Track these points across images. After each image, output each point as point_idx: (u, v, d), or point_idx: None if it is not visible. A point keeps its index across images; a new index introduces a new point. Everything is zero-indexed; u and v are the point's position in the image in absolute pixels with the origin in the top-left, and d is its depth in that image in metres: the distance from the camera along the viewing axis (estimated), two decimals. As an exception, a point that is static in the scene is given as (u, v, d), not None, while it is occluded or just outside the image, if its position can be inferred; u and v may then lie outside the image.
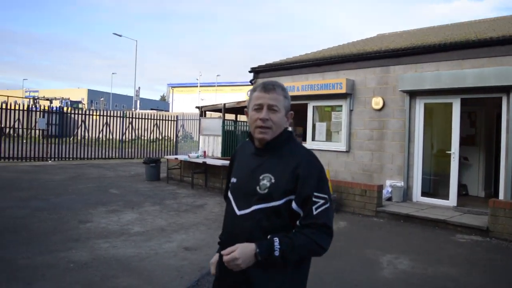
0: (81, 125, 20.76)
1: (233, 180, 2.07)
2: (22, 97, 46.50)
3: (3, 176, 12.72)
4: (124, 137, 21.50)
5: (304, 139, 12.36)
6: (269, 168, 1.94)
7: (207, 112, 21.97)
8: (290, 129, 2.11)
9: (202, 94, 55.47)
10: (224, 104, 19.16)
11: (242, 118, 20.61)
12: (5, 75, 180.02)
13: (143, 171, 14.10)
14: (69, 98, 48.09)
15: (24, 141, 18.35)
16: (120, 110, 38.45)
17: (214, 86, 57.54)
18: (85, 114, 20.79)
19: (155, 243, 6.35)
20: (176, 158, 13.26)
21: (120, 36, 43.29)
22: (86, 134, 20.70)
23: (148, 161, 13.19)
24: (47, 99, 40.49)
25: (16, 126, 19.07)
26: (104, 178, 13.09)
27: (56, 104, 38.43)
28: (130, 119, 21.93)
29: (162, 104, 75.86)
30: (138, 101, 47.05)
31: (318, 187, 1.89)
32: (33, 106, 26.08)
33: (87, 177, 13.14)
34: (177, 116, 23.55)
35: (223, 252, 1.81)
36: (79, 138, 21.20)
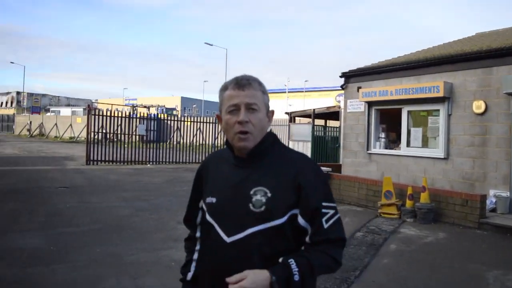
0: (176, 130, 21.89)
1: (211, 200, 1.69)
2: (123, 105, 50.00)
3: (109, 178, 13.80)
4: (215, 142, 22.27)
5: (398, 145, 11.93)
6: (259, 180, 1.61)
7: (296, 118, 22.05)
8: (270, 129, 1.76)
9: (290, 100, 55.80)
10: (314, 110, 19.10)
11: (331, 123, 20.40)
12: (108, 84, 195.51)
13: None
14: (164, 106, 50.80)
15: (126, 145, 19.72)
16: (212, 116, 39.94)
17: (302, 91, 57.62)
18: (180, 120, 21.89)
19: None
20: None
21: (211, 45, 44.86)
22: (181, 139, 21.77)
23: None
24: (145, 107, 43.20)
25: (118, 131, 20.57)
26: (198, 182, 13.66)
27: (152, 111, 40.82)
28: (221, 125, 22.65)
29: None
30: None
31: (326, 196, 1.64)
32: (132, 113, 27.99)
33: (182, 180, 13.82)
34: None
35: (228, 280, 1.45)
36: (174, 143, 22.31)
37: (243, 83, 1.63)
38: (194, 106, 62.92)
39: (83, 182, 12.47)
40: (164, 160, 19.74)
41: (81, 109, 45.82)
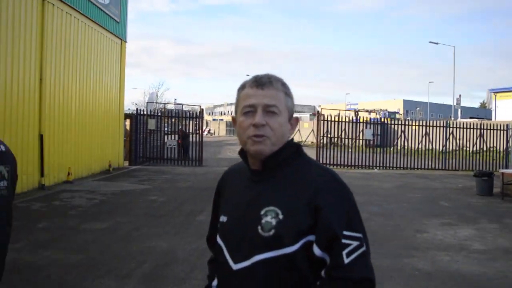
0: (401, 135, 21.28)
1: (223, 219, 1.48)
2: (344, 110, 51.11)
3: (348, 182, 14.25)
4: (445, 148, 20.82)
5: None
6: (272, 198, 1.37)
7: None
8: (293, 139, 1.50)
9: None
10: None
11: None
12: (328, 90, 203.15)
13: (471, 184, 13.26)
14: (386, 109, 50.02)
15: (350, 150, 20.12)
16: (437, 119, 37.46)
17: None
18: (404, 125, 21.21)
19: (501, 265, 5.85)
20: (512, 172, 11.92)
21: (437, 43, 42.30)
22: (406, 144, 21.05)
23: (480, 174, 12.34)
24: (367, 111, 43.30)
25: (342, 136, 21.11)
26: (431, 189, 13.04)
27: (373, 115, 40.58)
28: (451, 128, 21.08)
29: (482, 111, 69.85)
30: (460, 110, 44.67)
31: (349, 222, 1.33)
32: (354, 118, 28.36)
33: (413, 187, 13.37)
34: (507, 125, 21.20)
35: None
36: (398, 148, 21.75)
37: (263, 81, 1.41)
38: (417, 109, 60.15)
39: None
40: (390, 165, 19.42)
41: (307, 115, 48.70)
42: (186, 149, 19.90)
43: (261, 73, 1.45)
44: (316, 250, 1.30)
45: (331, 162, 18.85)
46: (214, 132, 66.47)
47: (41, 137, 11.03)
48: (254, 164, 1.43)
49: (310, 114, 46.17)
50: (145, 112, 19.64)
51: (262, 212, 1.35)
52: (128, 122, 19.07)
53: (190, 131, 20.24)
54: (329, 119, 19.82)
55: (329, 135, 20.44)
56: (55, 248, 5.92)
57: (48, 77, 11.31)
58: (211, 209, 1.67)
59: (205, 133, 30.97)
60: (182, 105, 30.73)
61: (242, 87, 1.45)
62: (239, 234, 1.39)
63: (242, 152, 1.47)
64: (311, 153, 18.12)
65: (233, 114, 1.50)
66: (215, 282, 1.57)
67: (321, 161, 18.64)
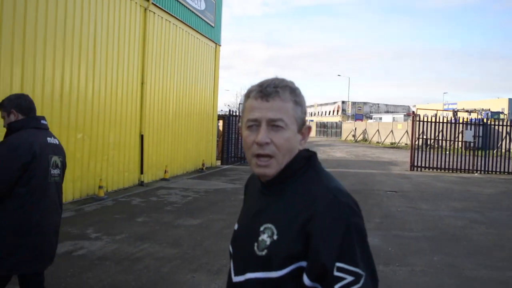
0: (505, 137, 19.61)
1: (236, 226, 1.42)
2: (442, 110, 48.32)
3: (435, 185, 13.56)
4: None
5: None
6: (273, 215, 1.26)
7: None
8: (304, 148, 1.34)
9: None
10: None
11: None
12: (424, 90, 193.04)
13: None
14: (489, 109, 46.44)
15: (447, 152, 18.95)
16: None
17: None
18: (509, 126, 19.49)
19: None
20: None
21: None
22: (511, 147, 19.33)
23: None
24: (466, 111, 40.51)
25: (439, 138, 19.95)
26: (541, 197, 11.86)
27: (474, 115, 37.87)
28: None
29: None
30: None
31: (342, 253, 1.14)
32: (452, 119, 26.69)
33: (520, 194, 12.27)
34: None
35: None
36: (502, 151, 20.06)
37: (268, 91, 1.26)
38: (526, 109, 54.97)
39: (409, 188, 12.66)
40: (493, 169, 17.95)
41: (401, 116, 46.82)
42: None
43: (268, 79, 1.31)
44: (306, 280, 1.17)
45: (427, 165, 17.92)
46: (304, 133, 66.16)
47: (141, 137, 11.81)
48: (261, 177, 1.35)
49: (404, 115, 44.30)
50: (237, 113, 20.17)
51: (262, 229, 1.27)
52: (221, 123, 19.70)
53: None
54: (425, 119, 18.85)
55: (424, 137, 19.44)
56: (152, 241, 6.29)
57: (148, 80, 12.07)
58: None
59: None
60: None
61: (247, 95, 1.32)
62: (242, 245, 1.34)
63: None
64: (405, 155, 17.74)
65: (239, 123, 1.39)
66: None
67: (415, 164, 17.83)
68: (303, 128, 1.32)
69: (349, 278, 1.13)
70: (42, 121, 3.06)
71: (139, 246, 6.03)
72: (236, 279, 1.32)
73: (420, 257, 5.94)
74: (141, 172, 11.82)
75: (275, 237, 1.23)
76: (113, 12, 10.34)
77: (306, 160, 1.32)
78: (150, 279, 4.81)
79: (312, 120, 73.44)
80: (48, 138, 3.01)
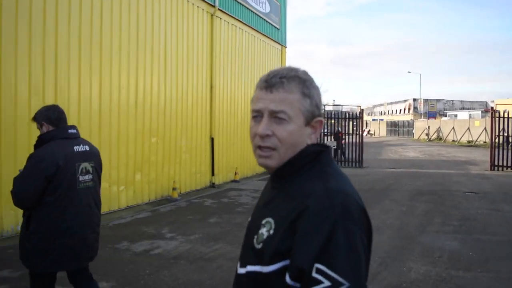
0: None
1: (249, 218, 1.40)
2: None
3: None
4: None
5: None
6: (274, 209, 1.24)
7: None
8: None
9: None
10: None
11: None
12: (504, 84, 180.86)
13: None
14: None
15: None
16: None
17: None
18: None
19: None
20: None
21: None
22: None
23: None
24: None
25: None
26: None
27: None
28: None
29: None
30: None
31: (322, 255, 1.06)
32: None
33: None
34: None
35: None
36: None
37: (272, 81, 1.22)
38: None
39: (490, 188, 11.89)
40: None
41: (479, 112, 44.25)
42: (341, 150, 19.65)
43: (278, 68, 1.29)
44: (287, 278, 1.12)
45: (508, 164, 16.73)
46: (374, 132, 64.64)
47: (212, 140, 12.09)
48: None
49: (482, 111, 41.77)
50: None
51: (263, 222, 1.25)
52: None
53: (350, 132, 19.98)
54: (505, 115, 17.64)
55: (505, 134, 18.18)
56: (224, 242, 6.41)
57: (217, 84, 12.35)
58: None
59: (364, 134, 30.31)
60: (342, 106, 30.51)
61: (256, 86, 1.32)
62: (247, 237, 1.34)
63: None
64: (483, 154, 16.80)
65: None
66: None
67: (496, 163, 16.73)
68: (312, 121, 1.27)
69: (326, 283, 1.04)
70: (70, 131, 3.21)
71: (212, 246, 6.17)
72: (240, 270, 1.31)
73: (506, 263, 5.56)
74: (212, 174, 12.10)
75: (271, 231, 1.21)
76: (182, 21, 10.70)
77: (315, 155, 1.27)
78: (224, 279, 4.90)
79: (382, 119, 71.37)
80: (76, 147, 3.18)
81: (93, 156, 3.34)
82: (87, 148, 3.29)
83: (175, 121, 10.48)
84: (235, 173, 13.36)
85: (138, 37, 9.10)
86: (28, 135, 6.68)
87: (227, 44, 13.04)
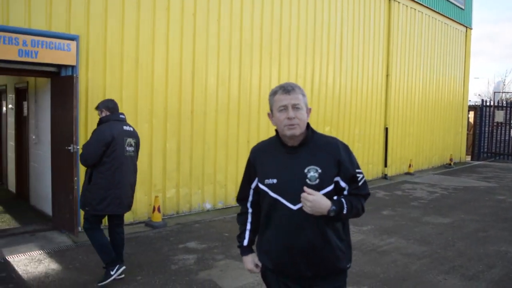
0: None
1: (271, 181, 2.16)
2: None
3: None
4: None
5: None
6: (310, 160, 2.13)
7: None
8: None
9: None
10: None
11: None
12: None
13: None
14: None
15: None
16: None
17: None
18: None
19: None
20: None
21: None
22: None
23: None
24: None
25: None
26: None
27: None
28: None
29: None
30: None
31: (356, 165, 2.20)
32: None
33: None
34: None
35: (305, 189, 2.05)
36: None
37: (288, 89, 2.12)
38: None
39: None
40: None
41: None
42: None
43: (285, 83, 2.18)
44: (342, 184, 2.16)
45: None
46: None
47: (386, 130, 11.72)
48: (289, 143, 2.17)
49: None
50: (491, 103, 17.98)
51: (306, 170, 2.11)
52: (471, 114, 17.94)
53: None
54: None
55: None
56: (399, 236, 6.20)
57: (393, 72, 11.87)
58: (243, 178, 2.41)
59: None
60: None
61: (273, 93, 2.17)
62: (292, 186, 2.10)
63: (278, 136, 2.22)
64: None
65: (269, 111, 2.23)
66: (248, 226, 2.38)
67: None
68: (307, 109, 2.18)
69: (360, 175, 2.20)
70: (121, 116, 4.46)
71: (385, 239, 6.03)
72: (297, 206, 2.09)
73: None
74: (385, 165, 11.77)
75: (319, 170, 2.10)
76: (358, 9, 10.54)
77: (311, 128, 2.22)
78: (398, 274, 4.76)
79: None
80: (124, 127, 4.37)
81: (135, 135, 4.49)
82: (131, 129, 4.46)
83: (349, 110, 10.45)
84: (409, 165, 12.75)
85: (315, 28, 9.28)
86: (215, 123, 7.44)
87: (405, 29, 12.40)
